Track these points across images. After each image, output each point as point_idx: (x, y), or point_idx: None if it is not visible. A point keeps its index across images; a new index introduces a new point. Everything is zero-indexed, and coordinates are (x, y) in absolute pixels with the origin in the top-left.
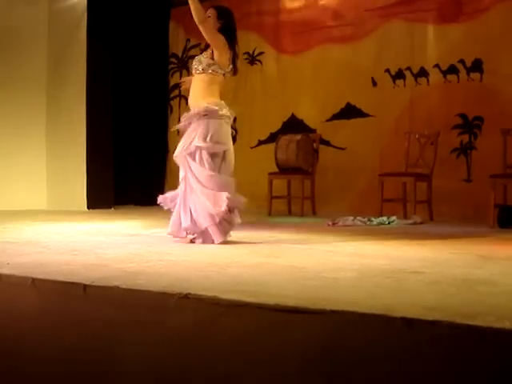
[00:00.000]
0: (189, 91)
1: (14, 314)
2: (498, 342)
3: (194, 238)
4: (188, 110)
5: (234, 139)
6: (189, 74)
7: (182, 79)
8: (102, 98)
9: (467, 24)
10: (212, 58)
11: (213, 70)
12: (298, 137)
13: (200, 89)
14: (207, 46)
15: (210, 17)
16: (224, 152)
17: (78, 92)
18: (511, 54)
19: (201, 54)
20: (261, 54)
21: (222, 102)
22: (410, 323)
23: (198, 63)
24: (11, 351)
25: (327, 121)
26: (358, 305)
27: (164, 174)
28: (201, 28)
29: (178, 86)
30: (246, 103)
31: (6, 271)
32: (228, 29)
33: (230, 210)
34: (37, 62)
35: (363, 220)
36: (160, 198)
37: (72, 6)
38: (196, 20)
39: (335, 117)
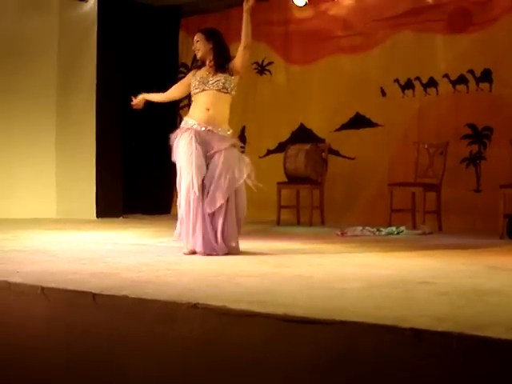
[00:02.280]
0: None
1: (23, 322)
2: (507, 354)
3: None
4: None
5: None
6: None
7: (139, 98)
8: (112, 107)
9: (476, 34)
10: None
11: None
12: (307, 146)
13: (225, 110)
14: (224, 65)
15: (198, 41)
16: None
17: (87, 101)
18: None
19: (199, 69)
20: (270, 63)
21: None
22: (418, 334)
23: (223, 81)
24: (21, 359)
25: (336, 130)
26: (367, 315)
27: (173, 183)
28: (246, 51)
29: (187, 95)
30: (254, 113)
31: (16, 280)
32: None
33: None
34: (47, 71)
35: (372, 230)
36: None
37: (83, 15)
38: (247, 43)
39: (344, 126)
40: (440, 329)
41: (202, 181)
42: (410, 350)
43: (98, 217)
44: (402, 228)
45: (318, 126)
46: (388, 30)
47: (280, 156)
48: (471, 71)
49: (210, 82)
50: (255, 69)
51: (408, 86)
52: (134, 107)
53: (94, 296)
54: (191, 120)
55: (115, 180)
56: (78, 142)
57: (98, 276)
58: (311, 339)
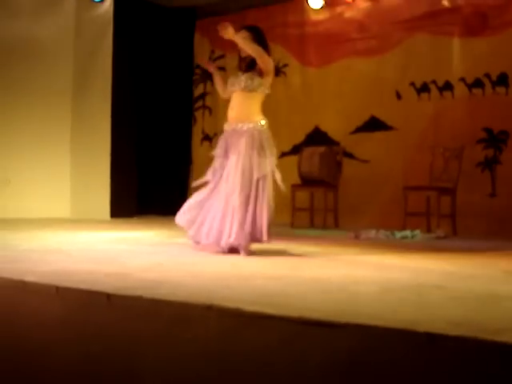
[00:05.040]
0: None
1: (38, 321)
2: None
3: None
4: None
5: None
6: (213, 85)
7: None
8: (127, 108)
9: (493, 38)
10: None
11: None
12: (322, 149)
13: (249, 108)
14: (252, 64)
15: (245, 38)
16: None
17: (102, 102)
18: None
19: (245, 71)
20: (285, 66)
21: None
22: (433, 338)
23: (245, 81)
24: (35, 358)
25: (351, 133)
26: (381, 319)
27: (187, 184)
28: (259, 61)
29: (202, 96)
30: (269, 115)
31: (30, 279)
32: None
33: None
34: (63, 72)
35: (386, 233)
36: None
37: (98, 16)
38: (256, 56)
39: (359, 129)
40: (455, 333)
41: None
42: (424, 354)
43: (112, 217)
44: (417, 232)
45: (333, 128)
46: (404, 33)
47: (294, 158)
48: (487, 75)
49: (236, 83)
50: None
51: (424, 89)
52: (201, 63)
53: (109, 296)
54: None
55: (129, 180)
56: (92, 142)
57: (113, 276)
58: (325, 342)
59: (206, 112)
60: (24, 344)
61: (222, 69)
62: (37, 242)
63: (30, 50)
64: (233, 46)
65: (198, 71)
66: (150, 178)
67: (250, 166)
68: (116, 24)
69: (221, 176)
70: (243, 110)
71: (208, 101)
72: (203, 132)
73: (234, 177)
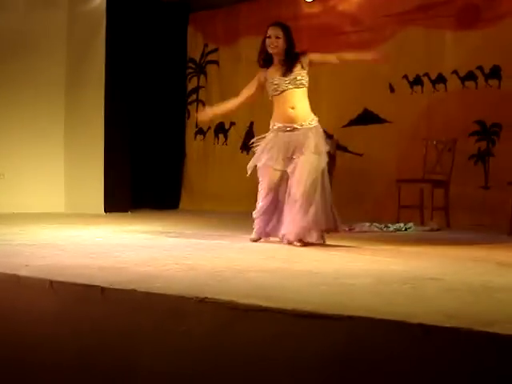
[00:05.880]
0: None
1: (32, 316)
2: None
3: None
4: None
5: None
6: (206, 79)
7: (205, 112)
8: (120, 101)
9: (485, 30)
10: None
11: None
12: None
13: (306, 103)
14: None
15: (279, 38)
16: None
17: (96, 95)
18: None
19: (265, 68)
20: None
21: None
22: (427, 330)
23: (299, 78)
24: (29, 353)
25: (344, 126)
26: (376, 311)
27: (181, 178)
28: (332, 61)
29: (195, 90)
30: (262, 108)
31: (24, 273)
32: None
33: None
34: (56, 66)
35: (380, 226)
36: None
37: (91, 9)
38: (342, 60)
39: (352, 122)
40: (449, 325)
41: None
42: (418, 345)
43: (106, 211)
44: (410, 224)
45: (326, 121)
46: (397, 26)
47: None
48: (480, 67)
49: (287, 82)
50: None
51: (417, 82)
52: (200, 124)
53: (103, 290)
54: (276, 123)
55: (123, 175)
56: (86, 136)
57: (107, 270)
58: (320, 334)
59: (200, 106)
60: (18, 339)
61: (215, 62)
62: (31, 236)
63: (22, 45)
64: (226, 39)
65: (191, 65)
66: (144, 172)
67: (317, 163)
68: (109, 18)
69: (287, 178)
70: (304, 106)
71: (201, 95)
72: (197, 126)
73: (307, 176)
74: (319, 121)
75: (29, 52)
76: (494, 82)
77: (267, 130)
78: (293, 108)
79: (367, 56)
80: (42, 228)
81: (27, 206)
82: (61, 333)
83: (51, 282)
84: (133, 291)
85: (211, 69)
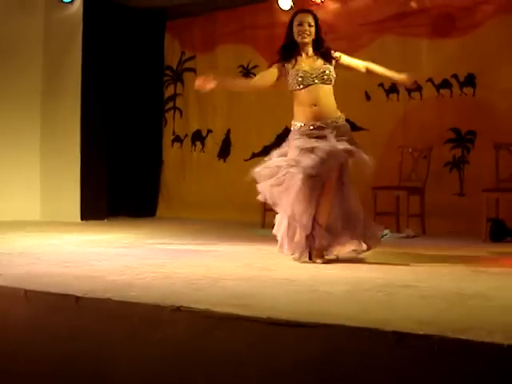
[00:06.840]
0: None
1: (5, 325)
2: (489, 357)
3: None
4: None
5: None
6: (183, 86)
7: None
8: (97, 109)
9: (460, 39)
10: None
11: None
12: None
13: (332, 100)
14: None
15: (312, 26)
16: None
17: (72, 103)
18: (504, 69)
19: (287, 60)
20: (255, 67)
21: None
22: (401, 337)
23: (327, 73)
24: (3, 362)
25: None
26: (351, 319)
27: (158, 185)
28: (359, 70)
29: (172, 98)
30: (239, 116)
31: None
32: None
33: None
34: (32, 73)
35: None
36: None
37: (67, 17)
38: (369, 71)
39: None
40: (422, 332)
41: None
42: (392, 353)
43: (82, 219)
44: (386, 231)
45: None
46: (372, 34)
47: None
48: (455, 76)
49: (314, 75)
50: (240, 72)
51: (392, 90)
52: (198, 87)
53: (77, 299)
54: (298, 122)
55: (100, 182)
56: (62, 144)
57: (82, 279)
58: (295, 342)
59: (177, 113)
60: None
61: (192, 70)
62: (5, 244)
63: None
64: (203, 47)
65: (168, 72)
66: (121, 179)
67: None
68: (85, 25)
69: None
70: (330, 103)
71: (178, 102)
72: (174, 133)
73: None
74: None
75: (4, 59)
76: (468, 90)
77: (245, 137)
78: (315, 105)
79: (399, 77)
80: (17, 236)
81: (2, 214)
82: (35, 341)
83: (25, 291)
84: (108, 300)
85: (188, 76)
